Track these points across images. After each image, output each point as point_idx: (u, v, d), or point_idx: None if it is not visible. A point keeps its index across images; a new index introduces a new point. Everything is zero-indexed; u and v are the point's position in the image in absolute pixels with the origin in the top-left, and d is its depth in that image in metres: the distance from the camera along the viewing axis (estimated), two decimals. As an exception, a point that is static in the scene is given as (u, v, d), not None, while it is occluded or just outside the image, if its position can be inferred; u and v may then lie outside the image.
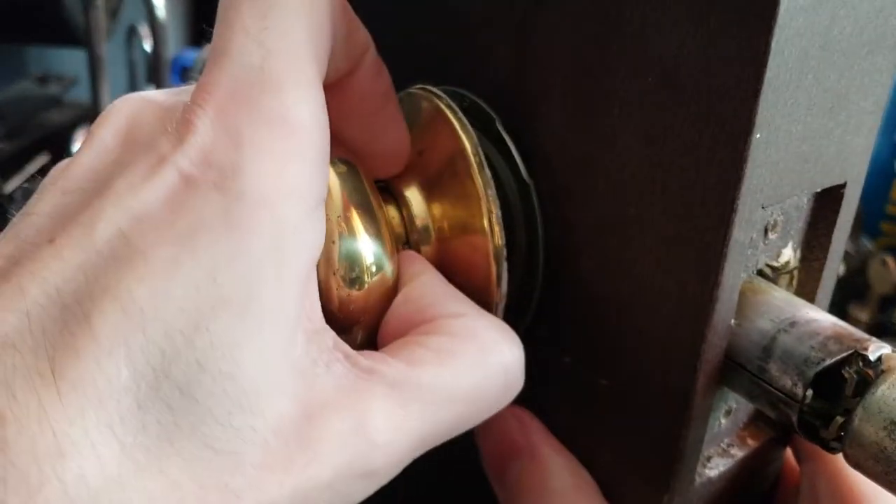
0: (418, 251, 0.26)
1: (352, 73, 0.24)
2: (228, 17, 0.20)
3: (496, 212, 0.25)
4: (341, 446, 0.19)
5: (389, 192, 0.27)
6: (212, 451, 0.17)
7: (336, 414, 0.19)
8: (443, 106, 0.26)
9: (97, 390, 0.16)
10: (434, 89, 0.27)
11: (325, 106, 0.20)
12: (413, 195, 0.27)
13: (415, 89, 0.27)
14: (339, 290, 0.23)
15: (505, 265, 0.25)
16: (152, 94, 0.22)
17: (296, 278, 0.19)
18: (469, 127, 0.25)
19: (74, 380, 0.16)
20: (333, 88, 0.23)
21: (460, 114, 0.26)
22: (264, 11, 0.20)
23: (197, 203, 0.18)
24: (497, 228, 0.25)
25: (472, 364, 0.22)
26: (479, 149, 0.25)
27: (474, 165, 0.25)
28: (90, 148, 0.20)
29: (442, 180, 0.26)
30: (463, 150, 0.25)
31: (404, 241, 0.27)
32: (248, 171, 0.18)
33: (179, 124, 0.19)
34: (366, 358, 0.21)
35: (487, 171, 0.25)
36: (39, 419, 0.16)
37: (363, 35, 0.24)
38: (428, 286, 0.24)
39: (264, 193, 0.18)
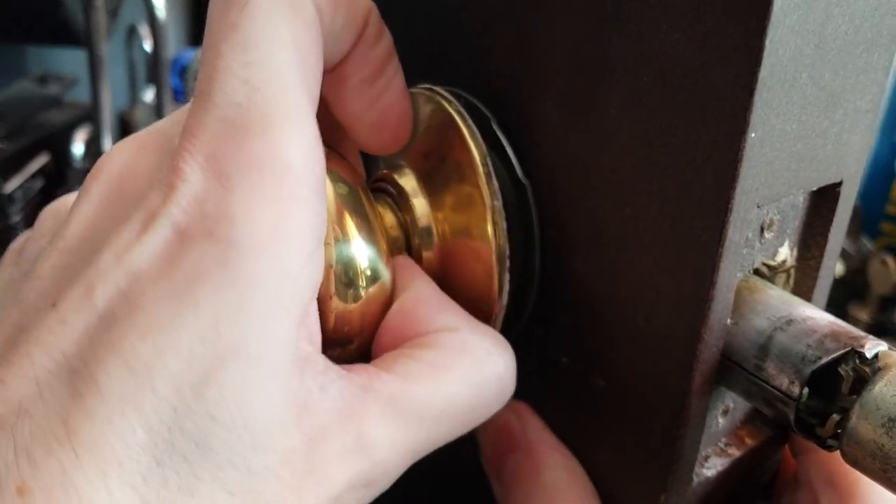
0: (420, 256, 0.26)
1: (354, 46, 0.23)
2: (210, 56, 0.19)
3: (501, 223, 0.25)
4: (344, 464, 0.19)
5: (391, 194, 0.27)
6: (230, 494, 0.18)
7: (336, 435, 0.19)
8: (452, 111, 0.26)
9: (114, 451, 0.17)
10: (442, 91, 0.27)
11: (318, 137, 0.20)
12: (416, 198, 0.27)
13: (420, 89, 0.27)
14: (336, 305, 0.23)
15: (507, 276, 0.25)
16: (143, 137, 0.21)
17: (297, 319, 0.19)
18: (478, 134, 0.25)
19: (90, 443, 0.16)
20: (336, 65, 0.23)
21: (469, 120, 0.26)
22: (245, 46, 0.19)
23: (193, 255, 0.18)
24: (502, 240, 0.25)
25: (466, 377, 0.22)
26: (488, 158, 0.25)
27: (482, 175, 0.25)
28: (84, 203, 0.20)
29: (447, 186, 0.26)
30: (472, 159, 0.25)
31: (405, 245, 0.27)
32: (241, 218, 0.18)
33: (169, 172, 0.19)
34: (359, 374, 0.21)
35: (495, 182, 0.25)
36: (64, 485, 0.16)
37: (362, 9, 0.23)
38: (421, 297, 0.24)
39: (260, 241, 0.18)
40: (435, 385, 0.22)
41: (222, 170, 0.18)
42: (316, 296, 0.20)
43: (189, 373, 0.17)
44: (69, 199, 0.23)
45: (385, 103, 0.24)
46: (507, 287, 0.25)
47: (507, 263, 0.25)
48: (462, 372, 0.22)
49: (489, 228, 0.25)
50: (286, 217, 0.18)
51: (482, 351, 0.23)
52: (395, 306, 0.24)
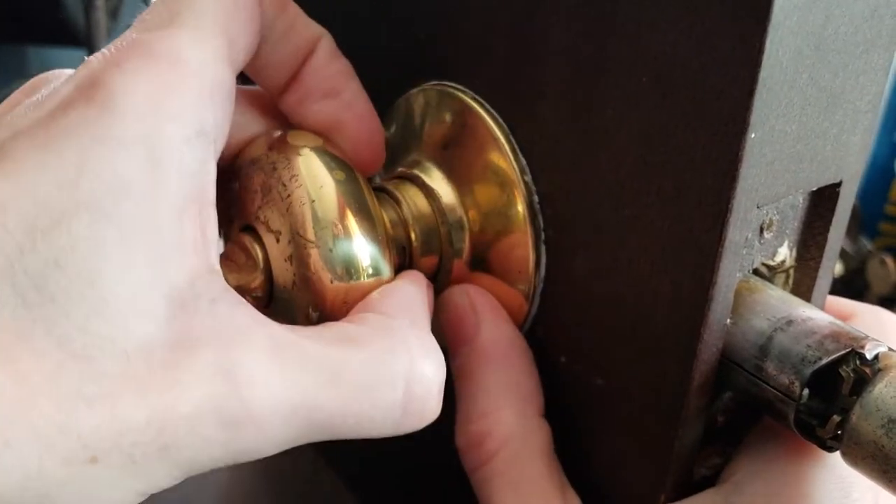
0: (450, 244, 0.27)
1: (304, 62, 0.25)
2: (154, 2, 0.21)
3: (534, 197, 0.25)
4: (205, 382, 0.18)
5: (414, 182, 0.27)
6: (65, 353, 0.17)
7: (208, 350, 0.19)
8: (468, 98, 0.26)
9: None
10: (454, 84, 0.27)
11: (227, 62, 0.21)
12: (442, 188, 0.27)
13: (430, 86, 0.27)
14: (336, 293, 0.23)
15: (543, 248, 0.25)
16: None
17: (172, 201, 0.19)
18: (499, 117, 0.26)
19: None
20: (291, 80, 0.25)
21: (488, 105, 0.26)
22: None
23: (70, 115, 0.19)
24: (537, 214, 0.25)
25: (368, 358, 0.21)
26: (512, 137, 0.26)
27: (509, 153, 0.25)
28: (6, 103, 0.22)
29: (472, 171, 0.26)
30: (495, 138, 0.26)
31: (405, 239, 0.27)
32: (122, 89, 0.19)
33: (80, 66, 0.20)
34: (259, 314, 0.21)
35: (522, 159, 0.25)
36: None
37: (310, 32, 0.25)
38: (394, 289, 0.24)
39: (137, 110, 0.19)
40: (329, 347, 0.21)
41: (120, 55, 0.20)
42: (202, 193, 0.20)
43: (42, 215, 0.18)
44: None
45: (352, 118, 0.26)
46: (544, 260, 0.26)
47: (543, 235, 0.25)
48: (367, 352, 0.21)
49: (521, 204, 0.25)
50: (169, 97, 0.20)
51: (403, 347, 0.22)
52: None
